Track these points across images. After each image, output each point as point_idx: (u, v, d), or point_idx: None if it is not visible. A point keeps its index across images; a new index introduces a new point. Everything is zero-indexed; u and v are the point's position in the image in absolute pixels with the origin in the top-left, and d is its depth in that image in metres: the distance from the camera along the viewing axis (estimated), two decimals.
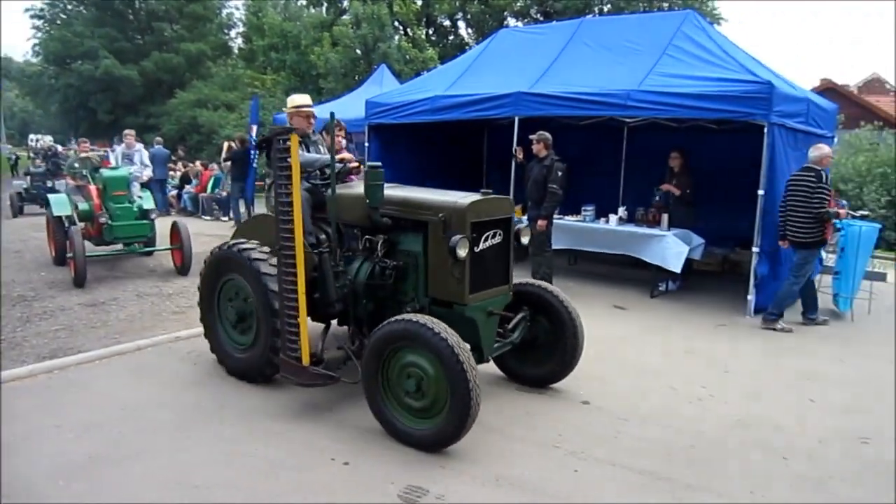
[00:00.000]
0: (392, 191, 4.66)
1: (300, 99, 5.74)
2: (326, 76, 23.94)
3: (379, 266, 4.57)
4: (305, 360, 4.28)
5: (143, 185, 10.83)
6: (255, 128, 14.29)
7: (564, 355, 4.81)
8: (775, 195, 7.26)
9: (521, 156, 8.56)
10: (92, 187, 9.10)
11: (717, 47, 8.14)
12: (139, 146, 11.90)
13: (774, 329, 6.89)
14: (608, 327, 6.78)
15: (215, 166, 17.56)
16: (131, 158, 11.51)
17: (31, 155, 22.46)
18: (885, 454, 4.12)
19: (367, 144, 11.17)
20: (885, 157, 15.12)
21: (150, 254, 9.91)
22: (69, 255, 8.28)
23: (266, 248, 4.74)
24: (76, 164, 9.98)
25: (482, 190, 4.55)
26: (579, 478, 3.70)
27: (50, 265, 9.53)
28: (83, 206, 9.02)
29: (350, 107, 13.07)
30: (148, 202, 9.35)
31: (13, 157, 34.74)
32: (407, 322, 3.84)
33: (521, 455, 3.95)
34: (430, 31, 29.10)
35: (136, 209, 8.95)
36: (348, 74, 23.46)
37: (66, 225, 8.79)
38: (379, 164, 4.44)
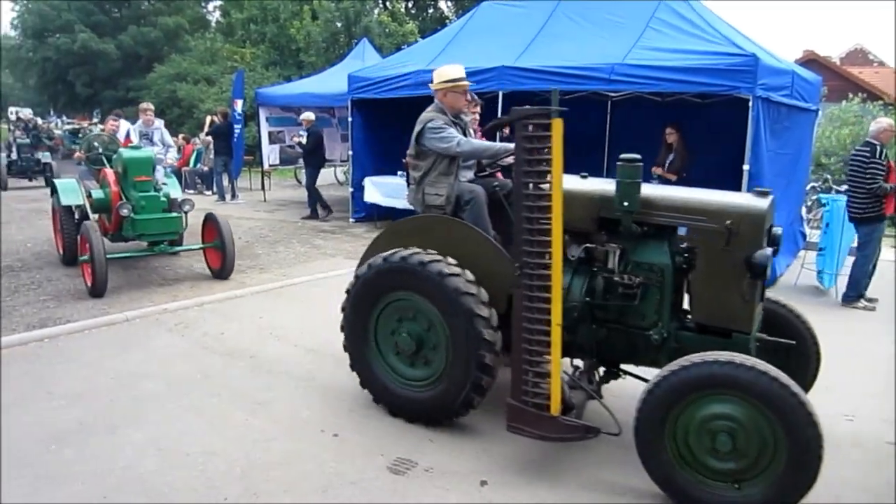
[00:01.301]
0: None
1: (453, 71, 4.57)
2: (307, 50, 23.68)
3: (615, 282, 3.56)
4: (555, 409, 3.29)
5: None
6: (239, 102, 14.16)
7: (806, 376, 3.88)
8: (760, 170, 7.32)
9: (507, 131, 8.57)
10: (108, 171, 7.52)
11: (701, 19, 8.15)
12: (159, 123, 9.61)
13: (856, 307, 6.94)
14: None
15: (197, 140, 17.38)
16: (150, 137, 9.26)
17: (11, 128, 22.08)
18: (864, 430, 4.10)
19: (350, 119, 11.14)
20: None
21: (176, 253, 8.16)
22: (83, 257, 6.71)
23: (451, 260, 3.71)
24: (95, 143, 8.37)
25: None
26: (563, 450, 3.73)
27: (40, 242, 9.43)
28: (98, 193, 7.45)
29: (332, 81, 13.02)
30: (175, 190, 7.86)
31: None
32: (726, 365, 2.94)
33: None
34: (409, 5, 28.80)
35: (163, 199, 7.19)
36: (329, 48, 23.22)
37: (77, 217, 7.46)
38: (637, 156, 3.50)
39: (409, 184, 8.48)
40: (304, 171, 15.97)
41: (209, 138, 14.76)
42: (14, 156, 17.17)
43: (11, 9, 38.74)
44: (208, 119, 15.06)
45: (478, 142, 4.41)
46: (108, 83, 34.83)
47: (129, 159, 7.22)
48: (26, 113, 26.93)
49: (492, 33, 9.93)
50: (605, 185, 3.64)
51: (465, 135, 4.47)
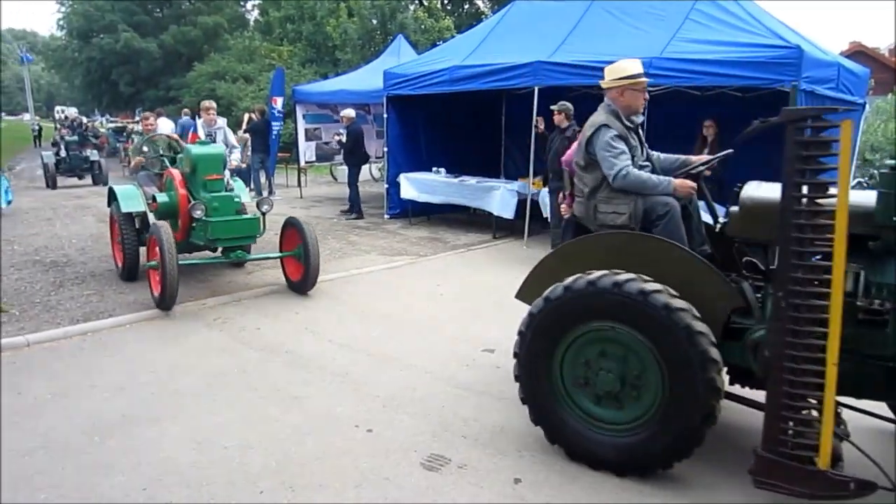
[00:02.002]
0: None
1: (631, 66, 4.08)
2: (343, 48, 23.84)
3: (859, 308, 3.02)
4: (824, 461, 2.77)
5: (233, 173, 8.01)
6: (279, 100, 14.30)
7: None
8: None
9: (542, 126, 8.51)
10: (174, 171, 6.82)
11: (743, 11, 7.96)
12: (221, 122, 8.84)
13: None
14: None
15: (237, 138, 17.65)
16: (213, 138, 8.49)
17: (58, 126, 22.66)
18: None
19: (385, 116, 11.19)
20: None
21: (242, 263, 7.45)
22: (150, 263, 6.03)
23: (672, 290, 3.19)
24: (145, 148, 7.52)
25: None
26: None
27: (84, 238, 9.69)
28: (162, 197, 6.66)
29: (367, 78, 13.08)
30: (243, 193, 7.02)
31: (36, 127, 35.22)
32: None
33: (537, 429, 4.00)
34: (446, 0, 28.78)
35: (237, 199, 6.47)
36: (365, 45, 23.34)
37: (138, 226, 6.88)
38: None
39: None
40: (339, 168, 16.15)
41: (247, 136, 14.95)
42: (63, 153, 17.07)
43: (57, 10, 39.87)
44: (246, 116, 15.26)
45: (645, 175, 3.86)
46: (149, 82, 35.62)
47: (199, 156, 6.48)
48: (72, 112, 27.68)
49: (527, 28, 9.86)
50: (858, 198, 3.02)
51: (638, 137, 4.16)
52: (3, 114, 64.63)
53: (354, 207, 11.87)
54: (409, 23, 22.58)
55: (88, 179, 17.13)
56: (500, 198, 9.65)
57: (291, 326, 5.76)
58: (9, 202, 11.57)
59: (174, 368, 4.76)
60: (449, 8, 28.28)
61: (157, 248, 5.74)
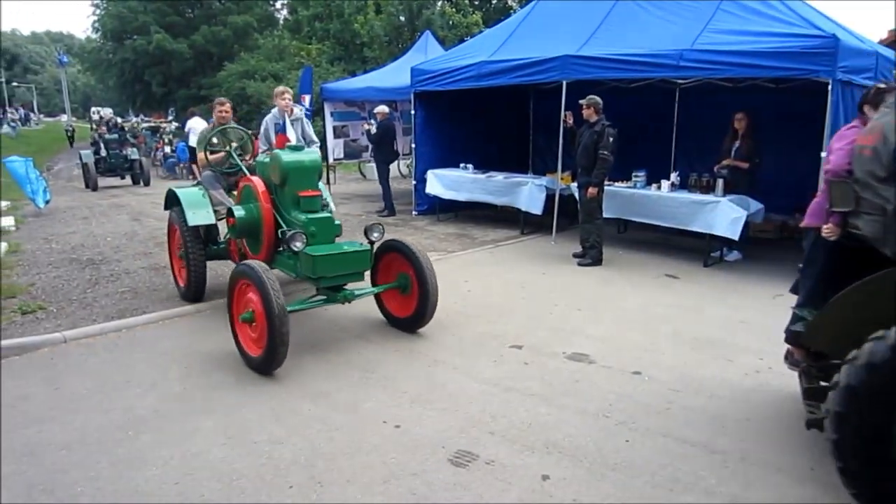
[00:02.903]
0: None
1: None
2: (371, 45, 23.92)
3: None
4: None
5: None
6: (307, 97, 14.39)
7: None
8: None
9: (570, 121, 8.43)
10: (256, 181, 5.47)
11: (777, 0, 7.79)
12: (299, 111, 7.21)
13: None
14: (659, 297, 6.71)
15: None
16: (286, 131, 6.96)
17: (94, 126, 22.99)
18: None
19: (412, 112, 11.20)
20: None
21: (349, 299, 5.19)
22: (244, 315, 4.63)
23: None
24: (214, 140, 6.39)
25: None
26: (630, 447, 3.68)
27: (118, 237, 9.88)
28: (240, 211, 5.42)
29: (395, 75, 13.10)
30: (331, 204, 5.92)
31: (70, 128, 35.98)
32: None
33: (570, 424, 3.97)
34: None
35: (338, 224, 5.28)
36: (392, 42, 23.41)
37: (201, 238, 6.02)
38: None
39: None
40: (368, 165, 16.20)
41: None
42: (103, 153, 16.61)
43: (92, 12, 40.65)
44: None
45: None
46: (181, 82, 36.16)
47: (292, 166, 5.16)
48: (107, 112, 28.16)
49: (555, 21, 9.78)
50: None
51: None
52: (41, 115, 66.23)
53: (386, 204, 11.89)
54: (436, 19, 22.57)
55: (128, 179, 17.03)
56: (528, 193, 9.60)
57: (319, 322, 5.81)
58: (47, 202, 11.86)
59: (205, 363, 4.83)
60: (477, 3, 28.17)
61: (256, 299, 4.40)
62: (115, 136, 17.42)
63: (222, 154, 6.39)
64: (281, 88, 7.26)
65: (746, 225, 7.88)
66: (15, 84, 68.11)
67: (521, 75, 9.24)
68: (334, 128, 14.71)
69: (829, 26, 7.37)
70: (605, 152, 7.63)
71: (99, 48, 41.38)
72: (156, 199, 13.91)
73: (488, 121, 11.80)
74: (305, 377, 4.60)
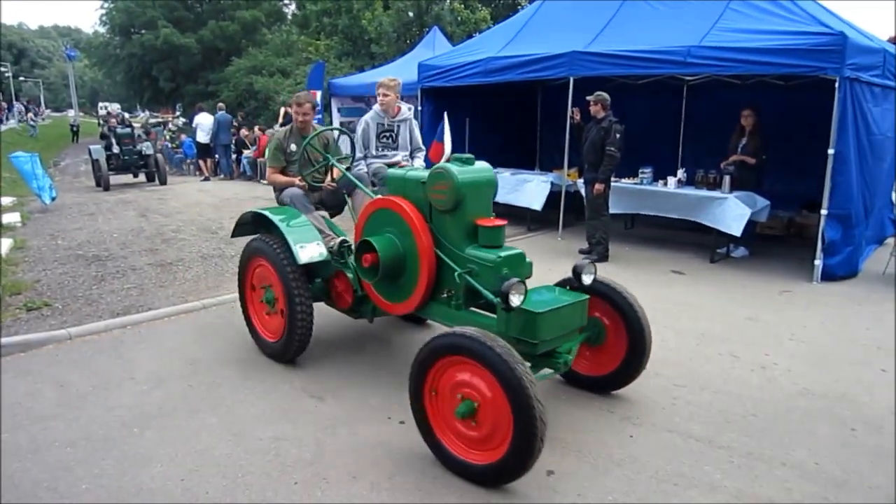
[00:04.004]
0: None
1: None
2: (378, 41, 23.88)
3: None
4: None
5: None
6: (317, 93, 14.37)
7: None
8: (846, 155, 6.93)
9: (577, 117, 8.40)
10: (405, 203, 4.03)
11: None
12: (407, 111, 5.95)
13: None
14: (666, 293, 6.69)
15: (272, 131, 17.85)
16: (393, 133, 5.79)
17: (101, 122, 22.80)
18: None
19: (420, 108, 11.18)
20: None
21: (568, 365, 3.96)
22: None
23: None
24: (293, 147, 5.26)
25: None
26: (634, 442, 3.69)
27: (125, 233, 9.89)
28: (385, 247, 4.04)
29: (402, 71, 13.07)
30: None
31: (75, 124, 36.06)
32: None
33: (575, 419, 3.97)
34: None
35: (529, 262, 3.92)
36: (400, 38, 23.34)
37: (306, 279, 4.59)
38: None
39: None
40: None
41: (283, 129, 15.08)
42: (115, 149, 15.25)
43: (100, 6, 40.72)
44: (282, 110, 15.40)
45: None
46: (188, 77, 36.16)
47: (469, 184, 3.83)
48: (115, 108, 28.22)
49: (564, 18, 9.75)
50: None
51: None
52: (48, 110, 66.47)
53: None
54: (444, 15, 22.50)
55: (142, 177, 16.09)
56: (534, 190, 9.59)
57: (325, 319, 5.77)
58: (53, 199, 11.90)
59: (211, 361, 4.84)
60: None
61: (486, 386, 3.13)
62: (128, 130, 16.23)
63: (288, 179, 5.22)
64: (386, 81, 5.65)
65: (753, 222, 7.85)
66: (22, 79, 68.40)
67: (529, 71, 9.21)
68: (341, 123, 14.72)
69: (837, 24, 7.32)
70: (612, 149, 7.60)
71: (106, 43, 41.38)
72: (163, 195, 13.97)
73: (496, 117, 11.77)
74: (312, 373, 4.60)
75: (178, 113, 29.17)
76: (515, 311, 3.46)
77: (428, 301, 4.08)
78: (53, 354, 4.96)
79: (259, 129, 18.67)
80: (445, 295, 4.06)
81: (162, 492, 3.20)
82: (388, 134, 5.71)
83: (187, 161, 19.65)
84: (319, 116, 14.39)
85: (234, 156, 17.93)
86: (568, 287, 3.97)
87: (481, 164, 4.02)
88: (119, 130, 15.80)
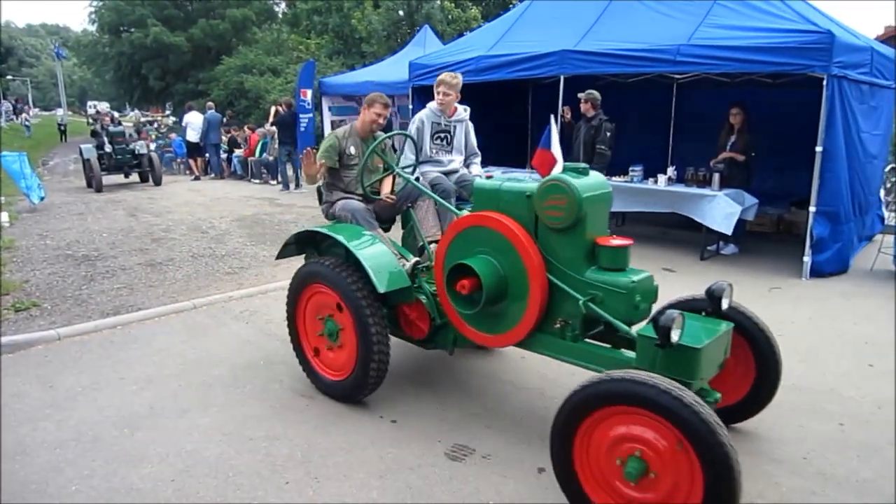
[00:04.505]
0: None
1: None
2: (369, 40, 23.84)
3: None
4: None
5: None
6: (308, 92, 14.32)
7: None
8: (834, 152, 6.98)
9: (568, 116, 8.42)
10: (509, 221, 3.46)
11: None
12: (464, 112, 5.38)
13: None
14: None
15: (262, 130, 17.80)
16: (448, 135, 5.22)
17: (90, 121, 22.51)
18: None
19: (410, 107, 11.18)
20: None
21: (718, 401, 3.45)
22: None
23: None
24: (352, 149, 4.53)
25: None
26: None
27: (114, 232, 9.83)
28: (488, 272, 3.45)
29: (393, 69, 13.08)
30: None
31: (63, 123, 35.71)
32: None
33: None
34: None
35: (656, 286, 3.55)
36: (391, 37, 23.31)
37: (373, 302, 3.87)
38: None
39: None
40: None
41: (274, 128, 15.06)
42: (108, 148, 14.68)
43: (89, 4, 40.42)
44: (273, 109, 15.36)
45: None
46: (178, 76, 35.99)
47: (591, 199, 3.31)
48: (104, 107, 27.99)
49: (553, 17, 9.75)
50: None
51: None
52: (36, 109, 65.97)
53: None
54: (435, 13, 22.48)
55: (135, 177, 15.65)
56: None
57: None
58: (41, 198, 11.82)
59: (202, 361, 4.82)
60: None
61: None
62: (121, 128, 15.71)
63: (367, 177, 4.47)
64: (447, 77, 5.07)
65: (743, 219, 7.89)
66: (10, 77, 67.84)
67: (520, 70, 9.22)
68: (332, 122, 14.70)
69: (825, 22, 7.38)
70: (603, 147, 7.63)
71: (95, 41, 41.10)
72: (153, 195, 13.90)
73: (486, 115, 11.70)
74: (303, 374, 4.58)
75: (168, 112, 29.05)
76: (678, 348, 2.97)
77: (535, 333, 3.52)
78: (42, 355, 4.93)
79: (248, 129, 18.64)
80: (559, 325, 3.45)
81: (152, 492, 3.19)
82: (443, 135, 5.16)
83: (177, 160, 19.56)
84: (311, 115, 14.36)
85: (224, 155, 17.87)
86: (703, 313, 3.47)
87: (596, 176, 3.48)
88: (112, 129, 15.31)
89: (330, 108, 14.62)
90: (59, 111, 40.29)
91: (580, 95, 7.90)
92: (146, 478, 3.31)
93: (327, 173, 4.54)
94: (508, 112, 12.47)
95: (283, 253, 4.65)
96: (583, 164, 3.47)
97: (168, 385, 4.40)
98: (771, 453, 3.56)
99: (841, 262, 7.40)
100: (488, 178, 3.75)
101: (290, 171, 14.66)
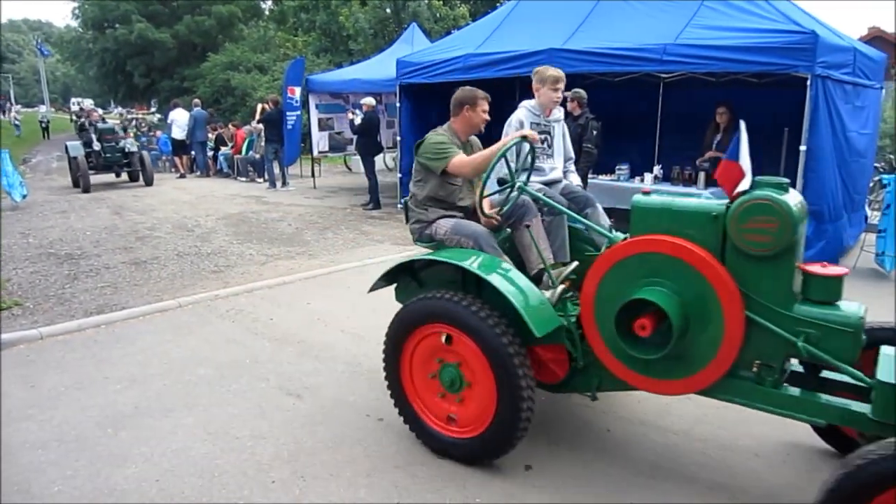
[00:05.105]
0: None
1: None
2: (356, 37, 23.77)
3: None
4: None
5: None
6: (296, 89, 14.22)
7: None
8: (819, 151, 7.04)
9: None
10: (697, 251, 2.87)
11: None
12: (560, 112, 4.76)
13: None
14: None
15: (249, 128, 17.68)
16: (549, 136, 4.60)
17: (73, 118, 22.19)
18: None
19: (398, 105, 11.15)
20: None
21: None
22: None
23: None
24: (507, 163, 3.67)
25: None
26: (611, 436, 3.74)
27: (98, 231, 9.74)
28: (674, 307, 2.88)
29: (381, 67, 13.02)
30: None
31: (45, 120, 35.29)
32: None
33: (553, 414, 3.99)
34: None
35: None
36: (378, 35, 23.26)
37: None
38: None
39: None
40: (354, 158, 16.10)
41: (260, 126, 14.98)
42: (96, 146, 13.99)
43: None
44: (259, 107, 15.28)
45: None
46: (164, 73, 35.70)
47: (800, 220, 2.83)
48: (87, 104, 27.69)
49: (541, 15, 9.77)
50: None
51: None
52: (18, 106, 65.21)
53: (372, 198, 11.84)
54: (422, 11, 22.44)
55: (125, 176, 15.08)
56: None
57: (304, 317, 5.77)
58: (24, 196, 11.68)
59: (187, 360, 4.79)
60: None
61: None
62: (110, 125, 15.01)
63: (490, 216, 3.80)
64: (552, 72, 4.44)
65: None
66: None
67: (508, 68, 9.22)
68: (319, 120, 14.63)
69: (809, 22, 7.44)
70: (589, 145, 7.65)
71: (79, 37, 40.67)
72: (138, 193, 13.78)
73: None
74: (291, 373, 4.57)
75: (153, 109, 28.81)
76: None
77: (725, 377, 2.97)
78: (24, 355, 4.87)
79: (234, 126, 18.53)
80: (755, 369, 2.94)
81: (136, 492, 3.16)
82: (544, 137, 4.48)
83: (163, 158, 19.40)
84: (298, 113, 14.28)
85: (210, 153, 17.75)
86: None
87: (794, 192, 2.89)
88: (100, 125, 14.66)
89: (317, 106, 14.53)
90: (42, 108, 39.93)
91: (567, 94, 7.90)
92: (130, 478, 3.28)
93: (430, 186, 3.87)
94: (496, 110, 12.44)
95: (378, 285, 3.88)
96: (780, 179, 2.86)
97: (152, 384, 4.36)
98: (756, 450, 3.58)
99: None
100: (645, 193, 3.15)
101: (276, 169, 14.59)
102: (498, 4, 24.50)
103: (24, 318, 5.61)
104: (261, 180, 15.61)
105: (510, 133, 4.27)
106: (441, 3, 23.60)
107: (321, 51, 25.91)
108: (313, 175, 15.01)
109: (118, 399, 4.14)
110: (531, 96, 4.57)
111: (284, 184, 14.66)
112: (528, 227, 3.73)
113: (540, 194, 3.74)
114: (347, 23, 23.61)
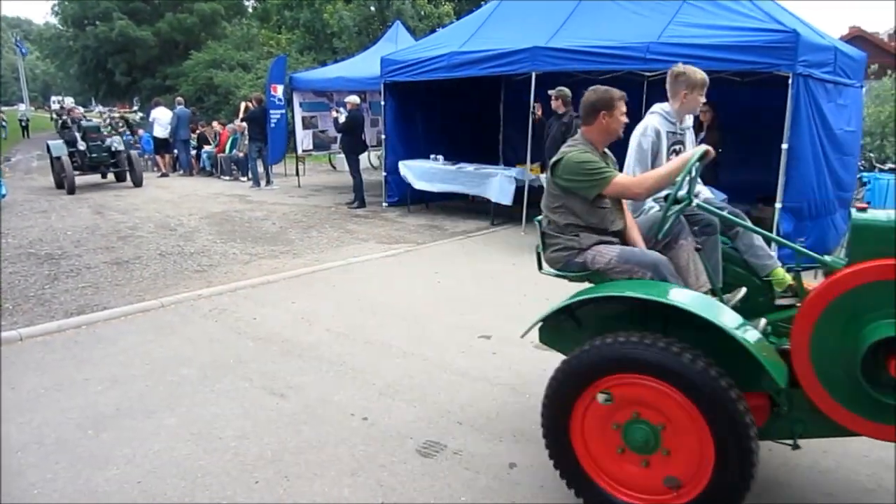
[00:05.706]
0: None
1: None
2: (340, 35, 23.69)
3: None
4: None
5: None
6: (279, 87, 14.13)
7: None
8: (800, 149, 7.12)
9: (539, 112, 8.46)
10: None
11: None
12: (690, 118, 4.41)
13: None
14: None
15: (233, 126, 17.55)
16: (683, 147, 4.23)
17: (53, 116, 21.83)
18: None
19: (382, 103, 11.14)
20: None
21: None
22: None
23: None
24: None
25: None
26: None
27: (79, 230, 9.63)
28: None
29: (365, 65, 12.99)
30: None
31: (25, 119, 34.77)
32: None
33: (538, 412, 3.97)
34: None
35: None
36: (362, 32, 23.19)
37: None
38: None
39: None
40: (338, 156, 16.03)
41: (244, 124, 14.88)
42: (81, 145, 13.30)
43: None
44: (243, 105, 15.16)
45: None
46: (146, 71, 35.40)
47: None
48: (68, 102, 27.35)
49: (525, 14, 9.79)
50: None
51: None
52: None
53: (357, 196, 11.80)
54: (406, 9, 22.40)
55: (111, 177, 14.50)
56: (498, 184, 9.61)
57: (288, 316, 5.74)
58: (2, 196, 11.51)
59: (170, 360, 4.74)
60: None
61: None
62: (94, 123, 14.36)
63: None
64: (703, 75, 4.09)
65: None
66: None
67: (491, 66, 9.23)
68: (303, 118, 14.56)
69: (791, 21, 7.51)
70: None
71: (59, 35, 40.22)
72: (119, 192, 13.63)
73: (459, 111, 11.78)
74: (275, 372, 4.55)
75: (135, 107, 28.56)
76: None
77: None
78: (3, 356, 4.80)
79: (219, 124, 18.40)
80: None
81: (118, 494, 3.13)
82: (678, 147, 4.07)
83: (145, 157, 19.22)
84: (283, 111, 14.20)
85: (193, 151, 17.62)
86: None
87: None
88: (85, 124, 13.95)
89: (301, 104, 14.45)
90: (21, 106, 39.41)
91: (551, 92, 7.94)
92: (112, 480, 3.24)
93: (576, 211, 3.46)
94: (481, 109, 12.50)
95: (546, 324, 3.45)
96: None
97: (134, 385, 4.32)
98: None
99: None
100: (860, 209, 2.69)
101: (260, 168, 14.50)
102: (482, 3, 24.53)
103: (4, 319, 5.52)
104: (244, 179, 15.51)
105: (641, 142, 4.01)
106: (425, 1, 23.58)
107: (305, 49, 25.79)
108: (297, 174, 14.94)
109: (99, 400, 4.09)
110: (521, 96, 4.50)
111: (268, 182, 14.58)
112: (698, 248, 3.40)
113: (723, 212, 3.33)
114: (332, 20, 23.52)
